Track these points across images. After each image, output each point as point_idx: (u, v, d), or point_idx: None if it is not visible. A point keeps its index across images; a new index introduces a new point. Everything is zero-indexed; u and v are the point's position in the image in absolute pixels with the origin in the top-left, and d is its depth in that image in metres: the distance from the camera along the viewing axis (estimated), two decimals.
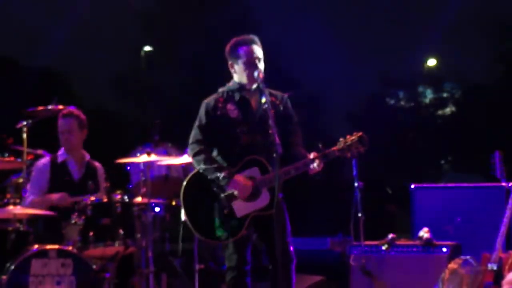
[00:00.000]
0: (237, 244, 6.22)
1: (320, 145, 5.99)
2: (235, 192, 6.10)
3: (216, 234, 6.23)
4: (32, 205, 7.62)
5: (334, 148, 6.00)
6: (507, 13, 27.79)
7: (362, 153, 5.98)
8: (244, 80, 6.27)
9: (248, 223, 6.12)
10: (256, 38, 6.32)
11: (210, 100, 6.37)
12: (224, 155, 6.28)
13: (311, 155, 6.02)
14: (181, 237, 8.24)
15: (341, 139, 6.03)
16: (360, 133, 5.97)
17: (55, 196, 7.66)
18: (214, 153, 6.33)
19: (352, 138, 5.95)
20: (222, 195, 6.18)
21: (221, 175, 6.13)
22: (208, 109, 6.31)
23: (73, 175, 7.92)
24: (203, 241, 6.52)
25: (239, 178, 6.10)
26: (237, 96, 6.28)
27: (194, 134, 6.34)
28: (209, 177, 6.21)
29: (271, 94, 6.30)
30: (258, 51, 6.27)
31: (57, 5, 28.34)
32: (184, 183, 6.40)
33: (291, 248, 6.22)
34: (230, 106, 6.27)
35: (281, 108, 6.31)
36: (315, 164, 5.98)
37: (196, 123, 6.37)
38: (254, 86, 6.23)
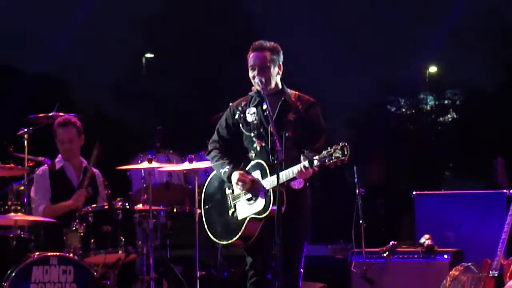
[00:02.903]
0: (249, 248, 6.19)
1: (305, 152, 5.92)
2: (237, 186, 6.11)
3: (222, 235, 6.27)
4: (45, 213, 7.61)
5: (316, 156, 5.88)
6: (508, 19, 27.82)
7: (345, 163, 5.81)
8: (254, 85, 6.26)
9: (246, 226, 6.09)
10: (262, 44, 6.21)
11: (234, 103, 6.42)
12: (244, 159, 6.29)
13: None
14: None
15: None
16: (344, 143, 5.78)
17: (69, 202, 7.63)
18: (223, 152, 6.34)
19: (335, 146, 5.78)
20: (229, 194, 6.22)
21: (223, 170, 6.18)
22: (229, 111, 6.39)
23: (72, 181, 7.91)
24: (213, 241, 6.50)
25: (237, 173, 6.11)
26: (256, 101, 6.26)
27: (214, 134, 6.44)
28: (217, 173, 6.28)
29: (299, 98, 6.28)
30: (258, 58, 6.20)
31: (58, 11, 28.37)
32: (207, 181, 6.48)
33: (302, 270, 6.19)
34: (249, 110, 6.27)
35: (302, 112, 6.23)
36: (298, 168, 5.86)
37: (218, 124, 6.45)
38: (272, 91, 6.18)
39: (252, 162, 6.18)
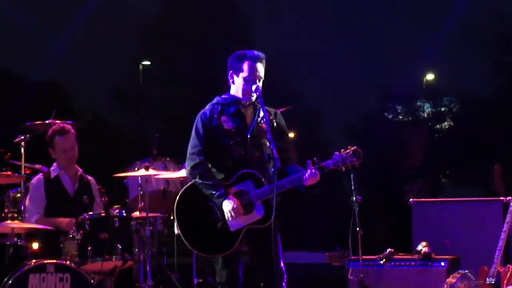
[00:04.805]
0: (228, 259, 6.17)
1: (315, 158, 5.99)
2: (226, 213, 6.06)
3: (209, 248, 6.20)
4: (38, 224, 7.57)
5: (329, 161, 6.00)
6: (505, 26, 27.84)
7: (356, 167, 5.98)
8: (240, 94, 6.25)
9: (242, 237, 6.09)
10: (262, 56, 6.25)
11: (205, 110, 6.34)
12: (217, 167, 6.24)
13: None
14: (176, 251, 8.22)
15: (336, 153, 6.03)
16: (354, 147, 5.97)
17: (64, 222, 7.58)
18: (209, 166, 6.28)
19: (346, 151, 5.96)
20: (217, 208, 6.13)
21: (216, 193, 6.08)
22: (204, 120, 6.28)
23: (68, 189, 7.87)
24: (199, 255, 6.49)
25: (232, 199, 6.07)
26: (232, 109, 6.26)
27: (194, 144, 6.26)
28: (204, 192, 6.15)
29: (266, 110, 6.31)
30: (261, 69, 6.23)
31: (56, 18, 28.37)
32: (179, 195, 6.32)
33: (282, 265, 6.17)
34: (224, 118, 6.25)
35: (275, 124, 6.26)
36: (308, 172, 5.93)
37: (194, 134, 6.30)
38: (249, 101, 6.22)
39: (240, 172, 6.14)
